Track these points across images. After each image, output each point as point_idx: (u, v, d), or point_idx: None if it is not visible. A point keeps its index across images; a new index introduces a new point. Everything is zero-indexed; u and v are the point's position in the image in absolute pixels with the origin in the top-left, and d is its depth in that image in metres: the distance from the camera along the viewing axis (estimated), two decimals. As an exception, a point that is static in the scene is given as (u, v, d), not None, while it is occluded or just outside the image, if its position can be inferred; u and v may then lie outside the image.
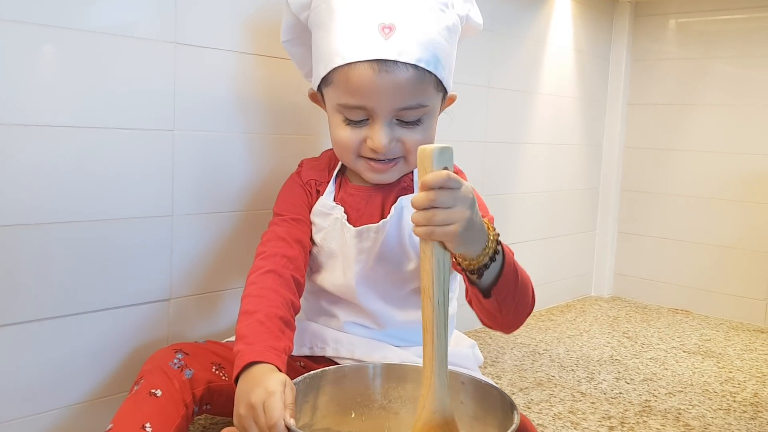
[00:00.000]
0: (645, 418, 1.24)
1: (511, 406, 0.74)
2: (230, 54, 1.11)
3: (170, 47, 1.04)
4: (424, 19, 0.89)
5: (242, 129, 1.15)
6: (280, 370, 0.77)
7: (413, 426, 0.71)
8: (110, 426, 0.83)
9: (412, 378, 0.84)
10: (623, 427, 1.20)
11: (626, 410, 1.27)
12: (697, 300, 2.02)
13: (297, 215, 0.99)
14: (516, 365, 1.50)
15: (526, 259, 1.92)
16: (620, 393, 1.36)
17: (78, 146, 0.95)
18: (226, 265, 1.16)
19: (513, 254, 0.84)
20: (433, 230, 0.68)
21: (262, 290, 0.88)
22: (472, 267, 0.76)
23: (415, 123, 0.92)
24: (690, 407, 1.31)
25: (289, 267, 0.92)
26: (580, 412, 1.25)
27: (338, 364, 0.95)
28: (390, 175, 0.96)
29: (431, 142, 0.95)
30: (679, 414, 1.27)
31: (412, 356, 0.97)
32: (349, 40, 0.88)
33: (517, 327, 0.88)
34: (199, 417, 1.05)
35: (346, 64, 0.88)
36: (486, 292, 0.81)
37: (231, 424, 0.79)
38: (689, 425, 1.22)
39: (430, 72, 0.88)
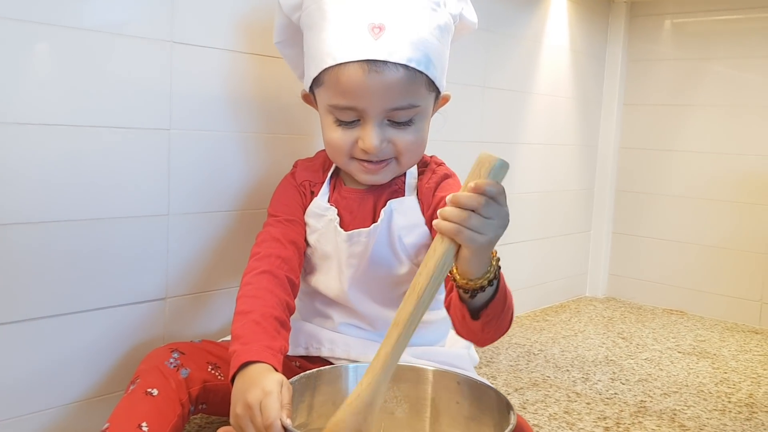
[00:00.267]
0: (640, 419, 1.24)
1: (507, 407, 0.74)
2: (226, 53, 1.11)
3: (166, 46, 1.04)
4: (415, 18, 0.88)
5: (238, 128, 1.14)
6: (277, 370, 0.77)
7: (332, 418, 0.71)
8: (106, 425, 0.83)
9: (407, 378, 0.84)
10: (618, 427, 1.20)
11: (621, 411, 1.28)
12: (691, 301, 2.03)
13: (291, 216, 0.99)
14: (511, 366, 1.50)
15: (520, 259, 1.95)
16: (615, 393, 1.37)
17: (74, 145, 0.95)
18: (222, 265, 1.16)
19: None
20: (462, 230, 0.68)
21: (258, 291, 0.88)
22: (468, 287, 0.76)
23: (407, 123, 0.91)
24: (685, 408, 1.31)
25: (283, 268, 0.92)
26: (575, 413, 1.26)
27: (334, 364, 0.95)
28: (382, 176, 0.95)
29: (423, 142, 0.95)
30: (675, 415, 1.27)
31: (407, 356, 0.97)
32: (339, 40, 0.87)
33: (489, 344, 0.88)
34: (195, 416, 1.04)
35: (337, 64, 0.87)
36: (474, 314, 0.80)
37: (227, 423, 0.80)
38: (684, 426, 1.23)
39: (421, 72, 0.88)
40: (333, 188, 1.01)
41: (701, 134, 1.99)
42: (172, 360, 0.91)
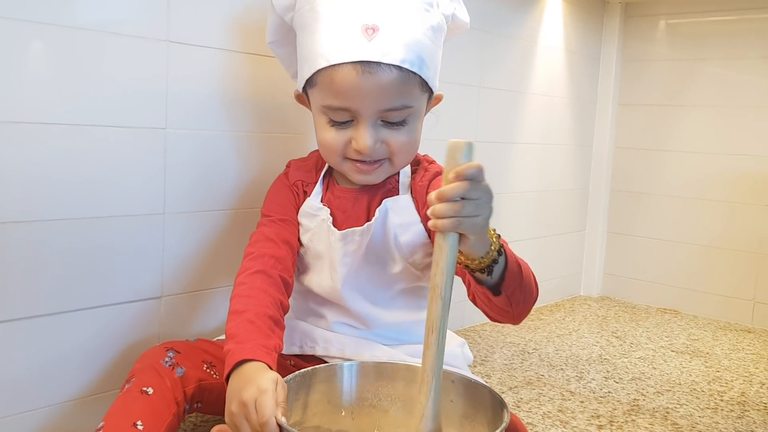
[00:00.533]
0: (633, 417, 1.25)
1: (501, 405, 0.75)
2: (222, 53, 1.11)
3: (163, 45, 1.04)
4: (408, 19, 0.88)
5: (234, 127, 1.15)
6: (271, 368, 0.78)
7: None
8: (102, 424, 0.83)
9: (402, 376, 0.84)
10: (612, 425, 1.21)
11: (615, 409, 1.28)
12: (685, 300, 2.04)
13: (285, 216, 0.99)
14: (505, 364, 1.51)
15: (516, 258, 1.94)
16: (609, 392, 1.37)
17: (70, 144, 0.95)
18: (218, 263, 1.16)
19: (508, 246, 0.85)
20: (461, 221, 0.68)
21: (251, 290, 0.88)
22: (482, 265, 0.76)
23: (400, 124, 0.92)
24: (678, 406, 1.32)
25: (277, 267, 0.92)
26: (569, 411, 1.26)
27: (328, 362, 0.96)
28: (376, 176, 0.96)
29: (417, 143, 0.95)
30: (667, 413, 1.28)
31: (401, 354, 0.97)
32: (332, 41, 0.87)
33: (524, 317, 0.88)
34: (190, 415, 1.05)
35: (330, 66, 0.87)
36: (495, 290, 0.81)
37: (222, 421, 0.80)
38: (677, 424, 1.23)
39: (414, 73, 0.88)
40: (326, 188, 1.02)
41: (695, 134, 2.00)
42: (167, 359, 0.91)
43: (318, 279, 0.99)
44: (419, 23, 0.89)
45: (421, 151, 1.03)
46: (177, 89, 1.06)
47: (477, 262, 0.76)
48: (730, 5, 1.93)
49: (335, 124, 0.92)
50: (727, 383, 1.46)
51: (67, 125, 0.95)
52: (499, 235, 0.78)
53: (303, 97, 0.99)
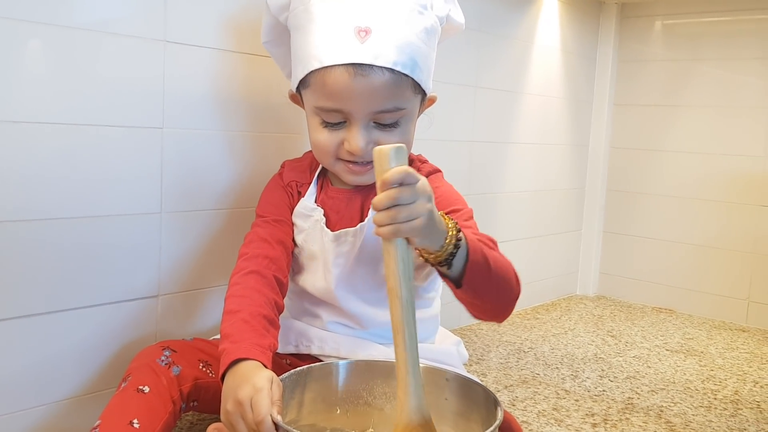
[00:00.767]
0: (627, 415, 1.26)
1: (494, 402, 0.75)
2: (219, 52, 1.12)
3: (160, 45, 1.04)
4: (401, 21, 0.89)
5: (230, 127, 1.15)
6: (266, 367, 0.78)
7: (394, 429, 0.72)
8: (98, 422, 0.83)
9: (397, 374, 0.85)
10: (606, 423, 1.22)
11: (609, 407, 1.29)
12: (680, 299, 2.05)
13: (279, 216, 1.00)
14: (501, 363, 1.52)
15: (512, 257, 1.94)
16: (604, 390, 1.38)
17: (67, 143, 0.96)
18: (215, 262, 1.16)
19: (496, 245, 0.84)
20: (399, 227, 0.68)
21: (246, 290, 0.88)
22: (439, 259, 0.76)
23: (393, 126, 0.92)
24: (672, 404, 1.33)
25: (271, 268, 0.93)
26: (564, 410, 1.27)
27: (324, 361, 0.96)
28: (368, 177, 0.96)
29: (409, 144, 0.96)
30: (661, 411, 1.29)
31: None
32: (325, 43, 0.88)
33: (505, 314, 0.88)
34: (187, 413, 1.05)
35: (323, 67, 0.88)
36: (457, 282, 0.80)
37: (218, 420, 0.80)
38: (670, 422, 1.24)
39: (407, 75, 0.88)
40: (320, 189, 1.02)
41: (691, 134, 2.01)
42: (163, 357, 0.92)
43: (312, 279, 1.00)
44: (412, 25, 0.89)
45: (422, 152, 1.04)
46: (174, 89, 1.07)
47: (433, 256, 0.76)
48: (725, 6, 1.94)
49: (328, 125, 0.92)
50: (720, 382, 1.47)
51: (64, 124, 0.95)
52: (458, 228, 0.77)
53: (297, 97, 0.99)
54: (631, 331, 1.82)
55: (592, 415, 1.25)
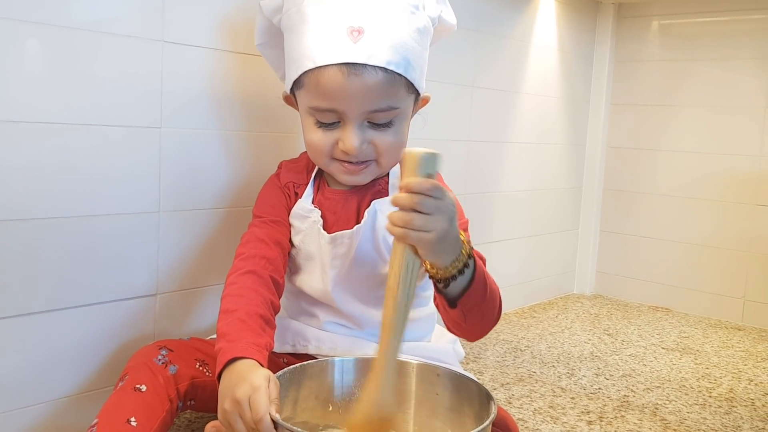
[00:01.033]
0: (623, 413, 1.27)
1: (488, 397, 0.76)
2: (216, 52, 1.12)
3: (158, 45, 1.05)
4: (394, 21, 0.89)
5: (228, 126, 1.16)
6: (263, 366, 0.79)
7: (352, 416, 0.74)
8: (95, 420, 0.84)
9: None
10: (602, 421, 1.22)
11: (605, 405, 1.30)
12: (676, 298, 2.05)
13: (276, 217, 1.00)
14: (498, 361, 1.52)
15: (509, 257, 1.96)
16: (599, 388, 1.39)
17: (65, 143, 0.96)
18: (213, 261, 1.17)
19: (485, 263, 0.85)
20: (408, 233, 0.69)
21: (242, 290, 0.89)
22: (439, 276, 0.77)
23: (387, 125, 0.92)
24: (667, 402, 1.33)
25: (268, 268, 0.93)
26: (560, 407, 1.28)
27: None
28: (363, 177, 0.96)
29: (403, 143, 0.96)
30: (656, 409, 1.30)
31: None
32: (318, 43, 0.88)
33: (480, 337, 0.90)
34: (184, 412, 1.06)
35: (316, 67, 0.88)
36: (452, 302, 0.82)
37: (215, 419, 0.81)
38: (665, 420, 1.25)
39: (400, 74, 0.89)
40: (317, 189, 1.02)
41: (687, 134, 2.02)
42: (160, 357, 0.92)
43: (309, 280, 1.00)
44: (405, 25, 0.90)
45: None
46: (172, 88, 1.07)
47: (435, 271, 0.77)
48: (722, 6, 1.94)
49: (322, 125, 0.93)
50: (716, 380, 1.48)
51: (62, 124, 0.96)
52: (471, 255, 0.78)
53: (291, 99, 1.00)
54: (628, 330, 1.83)
55: (588, 412, 1.26)
